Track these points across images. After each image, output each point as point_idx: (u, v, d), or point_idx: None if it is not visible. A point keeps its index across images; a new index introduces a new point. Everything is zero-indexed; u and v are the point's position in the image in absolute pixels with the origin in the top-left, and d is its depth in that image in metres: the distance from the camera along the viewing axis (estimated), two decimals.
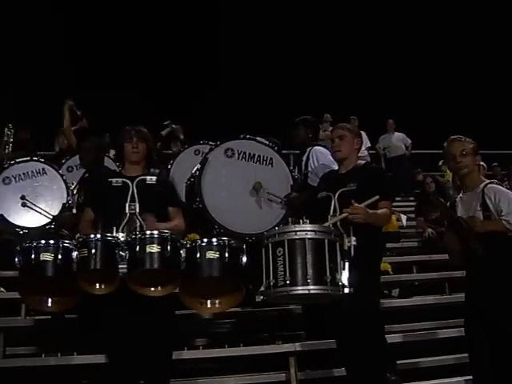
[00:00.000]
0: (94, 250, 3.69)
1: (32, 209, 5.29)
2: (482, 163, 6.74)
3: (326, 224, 3.94)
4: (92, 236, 3.77)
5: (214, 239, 3.80)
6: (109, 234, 3.83)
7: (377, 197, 4.08)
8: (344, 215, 4.01)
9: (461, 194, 4.31)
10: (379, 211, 4.19)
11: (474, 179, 4.19)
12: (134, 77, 15.89)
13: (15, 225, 5.32)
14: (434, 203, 4.61)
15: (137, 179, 4.27)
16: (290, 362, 4.99)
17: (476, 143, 4.22)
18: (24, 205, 5.31)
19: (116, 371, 4.13)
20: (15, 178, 5.45)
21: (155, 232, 3.77)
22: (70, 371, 4.97)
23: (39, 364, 5.02)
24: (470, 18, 16.69)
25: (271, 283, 3.60)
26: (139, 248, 3.70)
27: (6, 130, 7.61)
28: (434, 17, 17.11)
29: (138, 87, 15.59)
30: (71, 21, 16.21)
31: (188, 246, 3.81)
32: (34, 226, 5.30)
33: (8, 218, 5.32)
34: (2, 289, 6.28)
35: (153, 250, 3.69)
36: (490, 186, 4.13)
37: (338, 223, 3.96)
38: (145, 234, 3.77)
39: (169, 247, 3.72)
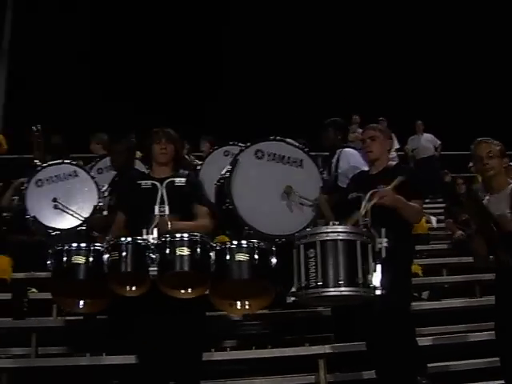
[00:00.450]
0: (124, 253, 3.72)
1: (64, 211, 5.34)
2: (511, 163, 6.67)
3: (361, 212, 3.94)
4: (123, 239, 3.79)
5: (244, 241, 3.80)
6: (139, 237, 3.85)
7: (401, 178, 4.07)
8: (373, 202, 4.01)
9: (488, 196, 4.26)
10: (409, 203, 4.17)
11: (501, 181, 4.15)
12: (150, 81, 16.03)
13: (47, 226, 5.37)
14: (466, 201, 4.56)
15: (166, 181, 4.27)
16: (319, 364, 4.97)
17: (503, 145, 4.18)
18: (56, 207, 5.36)
19: (146, 372, 4.13)
20: (47, 181, 5.50)
21: (185, 235, 3.78)
22: (100, 371, 5.03)
23: (70, 364, 5.10)
24: (501, 14, 16.48)
25: (303, 284, 3.59)
26: (169, 251, 3.71)
27: (34, 129, 7.70)
28: (466, 16, 16.91)
29: (154, 91, 15.72)
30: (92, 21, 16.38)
31: (218, 248, 3.82)
32: (65, 227, 5.35)
33: (40, 220, 5.38)
34: (34, 289, 6.37)
35: (183, 253, 3.71)
36: None
37: (369, 224, 3.93)
38: (175, 236, 3.78)
39: (199, 250, 3.73)
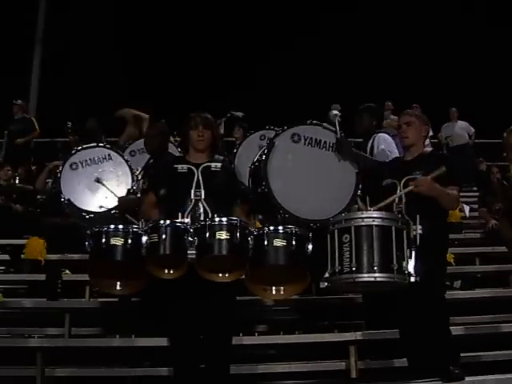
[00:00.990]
0: (164, 236, 3.74)
1: (105, 186, 5.37)
2: None
3: (394, 197, 3.91)
4: (162, 222, 3.82)
5: (281, 227, 3.80)
6: (178, 220, 3.88)
7: (443, 168, 4.02)
8: (410, 188, 3.98)
9: None
10: (446, 190, 4.12)
11: None
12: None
13: (81, 209, 5.42)
14: (497, 186, 4.50)
15: (202, 166, 4.31)
16: (350, 351, 4.95)
17: None
18: (98, 180, 5.40)
19: (177, 354, 4.18)
20: (82, 164, 5.55)
21: (224, 219, 3.79)
22: (132, 353, 5.09)
23: (102, 345, 5.17)
24: None
25: (336, 270, 3.59)
26: (209, 234, 3.73)
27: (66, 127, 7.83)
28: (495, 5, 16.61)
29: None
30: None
31: (255, 233, 3.82)
32: (99, 211, 5.39)
33: (75, 203, 5.43)
34: (68, 271, 6.46)
35: (222, 237, 3.72)
36: None
37: (405, 211, 3.90)
38: (214, 220, 3.80)
39: (238, 234, 3.74)
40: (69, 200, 5.42)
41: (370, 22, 16.81)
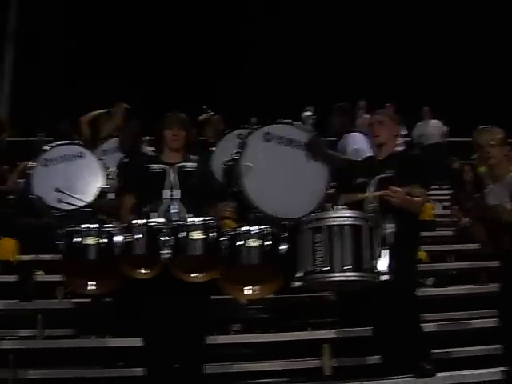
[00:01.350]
0: (137, 236, 3.75)
1: (68, 194, 5.31)
2: None
3: (362, 196, 3.95)
4: (136, 222, 3.82)
5: (256, 227, 3.82)
6: (152, 220, 3.88)
7: (416, 187, 4.06)
8: (382, 192, 4.02)
9: (491, 185, 4.25)
10: (415, 199, 4.16)
11: (503, 169, 4.14)
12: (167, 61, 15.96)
13: (52, 207, 5.36)
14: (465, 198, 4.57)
15: (177, 165, 4.32)
16: (323, 349, 4.99)
17: (505, 133, 4.16)
18: (57, 190, 5.33)
19: (151, 354, 4.17)
20: (53, 161, 5.48)
21: (199, 219, 3.80)
22: (105, 353, 5.06)
23: (76, 346, 5.13)
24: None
25: (309, 269, 3.62)
26: (183, 234, 3.74)
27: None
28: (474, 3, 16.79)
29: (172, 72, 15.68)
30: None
31: (230, 233, 3.84)
32: (70, 209, 5.33)
33: (45, 200, 5.36)
34: (41, 272, 6.39)
35: (197, 237, 3.73)
36: None
37: (376, 210, 3.94)
38: (189, 220, 3.81)
39: (212, 234, 3.76)
40: (39, 197, 5.35)
41: (343, 22, 16.88)
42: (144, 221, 3.82)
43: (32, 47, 15.50)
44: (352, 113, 5.90)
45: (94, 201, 5.17)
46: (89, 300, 5.49)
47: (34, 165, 5.45)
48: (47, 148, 5.55)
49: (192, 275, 3.86)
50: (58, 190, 5.22)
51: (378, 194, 4.05)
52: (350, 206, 3.99)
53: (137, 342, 4.63)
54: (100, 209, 5.13)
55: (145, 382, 4.35)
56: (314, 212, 4.21)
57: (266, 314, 5.99)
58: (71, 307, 5.73)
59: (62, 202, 5.10)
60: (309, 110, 4.76)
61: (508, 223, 3.90)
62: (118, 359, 5.05)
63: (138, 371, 4.61)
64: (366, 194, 4.08)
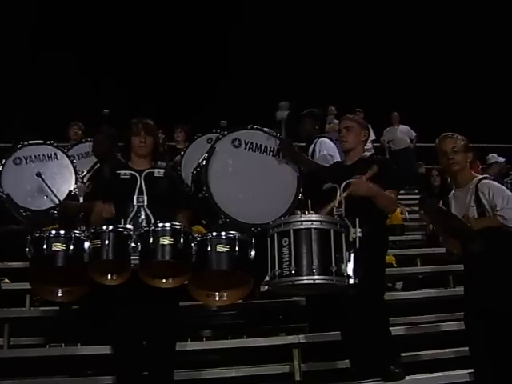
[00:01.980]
0: (106, 241, 3.70)
1: (44, 188, 5.22)
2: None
3: (333, 203, 3.99)
4: (104, 227, 3.78)
5: (224, 233, 3.81)
6: (121, 226, 3.85)
7: (375, 168, 4.12)
8: (347, 192, 4.08)
9: (453, 191, 4.32)
10: (385, 193, 4.21)
11: (466, 176, 4.21)
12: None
13: (20, 206, 5.29)
14: (426, 209, 4.63)
15: (144, 172, 4.31)
16: (293, 354, 4.98)
17: (467, 140, 4.23)
18: (38, 175, 5.24)
19: (120, 362, 4.14)
20: (26, 160, 5.42)
21: (168, 224, 3.78)
22: (74, 362, 4.99)
23: (43, 354, 5.04)
24: (472, 12, 16.65)
25: (276, 273, 3.61)
26: (152, 240, 3.70)
27: None
28: (440, 10, 17.03)
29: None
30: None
31: (199, 238, 3.82)
32: (37, 209, 5.27)
33: (13, 199, 5.29)
34: (7, 280, 6.29)
35: (165, 242, 3.70)
36: (483, 181, 4.14)
37: (344, 215, 3.96)
38: (157, 225, 3.78)
39: (181, 240, 3.73)
40: (7, 195, 5.28)
41: (310, 27, 16.99)
42: (111, 226, 3.78)
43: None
44: (321, 118, 5.93)
45: (64, 200, 5.11)
46: (57, 308, 5.44)
47: (5, 161, 5.38)
48: (20, 146, 5.48)
49: (161, 281, 3.82)
50: (38, 175, 5.17)
51: (344, 194, 4.10)
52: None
53: (105, 349, 4.60)
54: (67, 212, 5.08)
55: None
56: (282, 217, 4.22)
57: (237, 319, 5.99)
58: (39, 315, 5.66)
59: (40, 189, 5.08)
60: (284, 108, 4.76)
61: (462, 229, 3.96)
62: (87, 367, 4.99)
63: (107, 379, 4.58)
64: (337, 199, 4.11)
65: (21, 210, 5.28)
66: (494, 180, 4.42)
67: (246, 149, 4.66)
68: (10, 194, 5.28)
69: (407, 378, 4.42)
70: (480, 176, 4.27)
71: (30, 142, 5.55)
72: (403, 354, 4.66)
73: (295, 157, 4.73)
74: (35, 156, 5.43)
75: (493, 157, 11.10)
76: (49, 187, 5.23)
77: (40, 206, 5.28)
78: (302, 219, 3.66)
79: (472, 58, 16.53)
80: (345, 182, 4.22)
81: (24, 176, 5.34)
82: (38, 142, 5.57)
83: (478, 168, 9.20)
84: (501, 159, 11.10)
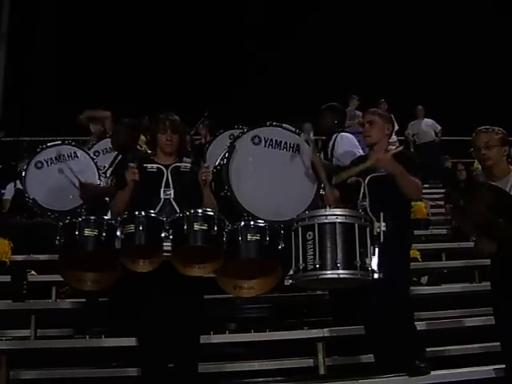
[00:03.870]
0: (140, 226, 3.72)
1: (67, 176, 5.26)
2: None
3: (351, 171, 4.02)
4: (137, 213, 3.80)
5: (254, 222, 3.85)
6: (153, 212, 3.89)
7: (401, 147, 4.10)
8: (370, 162, 4.10)
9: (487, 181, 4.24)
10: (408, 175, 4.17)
11: (502, 169, 4.12)
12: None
13: (46, 208, 5.35)
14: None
15: (171, 166, 4.34)
16: (318, 348, 4.98)
17: (505, 133, 4.15)
18: (60, 171, 5.31)
19: (145, 354, 4.17)
20: (47, 162, 5.47)
21: (200, 210, 3.81)
22: (99, 353, 5.05)
23: (69, 346, 5.11)
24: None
25: (301, 267, 3.61)
26: (186, 225, 3.72)
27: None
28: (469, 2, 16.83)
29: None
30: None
31: (229, 227, 3.85)
32: (64, 209, 5.32)
33: (39, 202, 5.35)
34: (34, 272, 6.37)
35: (198, 228, 3.73)
36: None
37: (368, 209, 3.93)
38: (192, 211, 3.79)
39: (215, 226, 3.75)
40: (33, 199, 5.35)
41: (335, 19, 16.91)
42: (144, 212, 3.81)
43: (25, 48, 15.45)
44: (342, 112, 5.89)
45: (84, 184, 5.15)
46: (83, 300, 5.49)
47: (27, 166, 5.45)
48: (39, 149, 5.54)
49: (192, 268, 3.83)
50: (60, 171, 5.21)
51: (365, 165, 4.14)
52: (345, 204, 4.02)
53: (131, 341, 4.64)
54: (90, 194, 5.11)
55: (139, 381, 4.36)
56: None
57: (261, 313, 6.00)
58: (65, 307, 5.72)
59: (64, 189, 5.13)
60: (307, 130, 4.73)
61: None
62: (112, 359, 5.03)
63: (132, 371, 4.62)
64: (356, 169, 4.12)
65: (48, 213, 5.34)
66: None
67: (265, 146, 4.66)
68: (36, 199, 5.34)
69: (432, 372, 4.39)
70: None
71: (49, 144, 5.59)
72: (428, 349, 4.63)
73: (321, 173, 4.67)
74: (55, 157, 5.47)
75: None
76: (70, 178, 5.27)
77: (66, 206, 5.32)
78: (327, 213, 3.66)
79: (502, 48, 16.30)
80: (370, 176, 4.20)
81: (47, 179, 5.40)
82: (57, 143, 5.61)
83: None
84: None
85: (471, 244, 4.41)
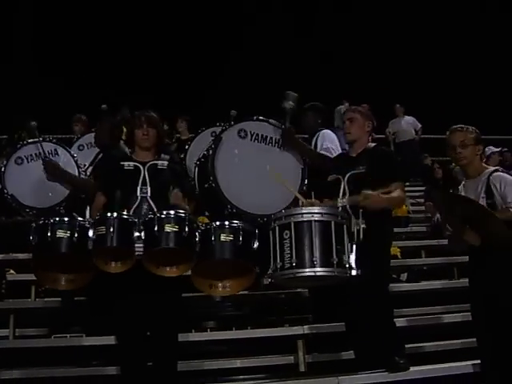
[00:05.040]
0: (111, 228, 3.71)
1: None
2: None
3: (338, 203, 3.98)
4: (109, 214, 3.79)
5: (228, 222, 3.83)
6: (126, 213, 3.87)
7: (391, 188, 4.10)
8: (356, 199, 4.04)
9: (463, 181, 4.29)
10: (393, 194, 4.18)
11: (476, 167, 4.17)
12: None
13: (25, 205, 5.31)
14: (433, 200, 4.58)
15: (148, 163, 4.32)
16: (298, 345, 5.00)
17: (478, 132, 4.19)
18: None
19: (124, 352, 4.16)
20: (27, 159, 5.43)
21: (172, 212, 3.80)
22: (79, 352, 5.02)
23: (48, 345, 5.08)
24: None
25: (278, 266, 3.63)
26: (157, 227, 3.72)
27: None
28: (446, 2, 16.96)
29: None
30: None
31: (203, 227, 3.84)
32: (43, 207, 5.28)
33: (18, 199, 5.31)
34: (12, 271, 6.32)
35: (170, 230, 3.72)
36: (496, 174, 4.11)
37: (348, 206, 3.96)
38: (162, 213, 3.79)
39: (186, 227, 3.75)
40: (12, 195, 5.30)
41: (316, 22, 16.97)
42: (116, 214, 3.79)
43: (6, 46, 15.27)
44: (324, 111, 5.91)
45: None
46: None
47: (6, 162, 5.40)
48: (19, 146, 5.49)
49: (165, 269, 3.83)
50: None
51: (352, 200, 4.08)
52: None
53: (110, 340, 4.62)
54: (57, 172, 5.09)
55: (119, 380, 4.34)
56: (287, 208, 4.22)
57: (241, 311, 6.00)
58: (43, 306, 5.69)
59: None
60: (292, 99, 4.73)
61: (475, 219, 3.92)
62: (92, 358, 5.01)
63: (112, 370, 4.60)
64: (339, 202, 4.10)
65: (27, 210, 5.30)
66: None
67: (251, 140, 4.66)
68: (14, 195, 5.29)
69: (411, 368, 4.43)
70: (493, 168, 4.24)
71: (30, 140, 5.55)
72: (407, 346, 4.67)
73: (297, 145, 4.70)
74: (36, 154, 5.43)
75: (489, 149, 11.11)
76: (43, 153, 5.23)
77: (45, 203, 5.28)
78: (303, 211, 3.68)
79: (477, 47, 16.45)
80: (349, 173, 4.23)
81: (27, 175, 5.35)
82: (38, 139, 5.56)
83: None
84: (495, 149, 11.15)
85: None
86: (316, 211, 3.67)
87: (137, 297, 4.02)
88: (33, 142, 5.51)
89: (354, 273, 3.65)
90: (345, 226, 3.71)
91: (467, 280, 4.36)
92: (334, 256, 3.58)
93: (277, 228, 3.67)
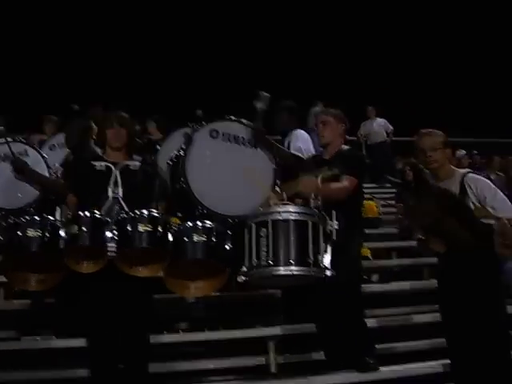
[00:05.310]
0: (83, 227, 3.69)
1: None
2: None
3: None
4: (81, 213, 3.76)
5: (200, 223, 3.83)
6: (98, 212, 3.84)
7: (335, 170, 4.15)
8: (295, 190, 4.10)
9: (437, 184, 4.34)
10: (331, 184, 4.20)
11: (447, 170, 4.22)
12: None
13: None
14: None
15: (120, 164, 4.28)
16: (269, 346, 5.01)
17: (445, 136, 4.25)
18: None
19: (95, 355, 4.11)
20: None
21: (145, 211, 3.79)
22: (48, 355, 4.96)
23: (17, 348, 5.00)
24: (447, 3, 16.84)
25: (254, 264, 3.63)
26: (130, 227, 3.70)
27: None
28: (415, 5, 17.14)
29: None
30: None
31: (175, 228, 3.84)
32: (12, 208, 5.19)
33: None
34: None
35: (143, 229, 3.71)
36: (470, 175, 4.17)
37: (321, 206, 3.97)
38: (136, 213, 3.78)
39: (159, 227, 3.74)
40: None
41: (288, 23, 17.01)
42: (88, 213, 3.77)
43: None
44: (297, 111, 5.93)
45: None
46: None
47: None
48: None
49: (137, 269, 3.81)
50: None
51: (291, 191, 4.13)
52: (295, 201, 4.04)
53: (81, 342, 4.57)
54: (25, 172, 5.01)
55: (89, 383, 4.30)
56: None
57: (213, 312, 5.98)
58: (12, 308, 5.60)
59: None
60: (264, 100, 4.73)
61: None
62: (61, 360, 4.95)
63: (82, 372, 4.54)
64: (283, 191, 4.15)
65: None
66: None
67: (223, 140, 4.65)
68: None
69: (381, 368, 4.47)
70: (464, 170, 4.31)
71: None
72: (378, 346, 4.71)
73: (268, 145, 4.71)
74: (5, 154, 5.33)
75: (459, 152, 11.34)
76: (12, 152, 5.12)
77: (15, 204, 5.19)
78: (281, 210, 3.69)
79: (446, 50, 16.66)
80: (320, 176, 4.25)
81: None
82: (7, 140, 5.46)
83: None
84: (463, 152, 11.36)
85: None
86: (293, 210, 3.69)
87: (108, 297, 3.98)
88: (2, 143, 5.41)
89: (328, 273, 3.67)
90: (321, 226, 3.73)
91: (436, 281, 4.42)
92: (311, 255, 3.60)
93: (253, 225, 3.68)
